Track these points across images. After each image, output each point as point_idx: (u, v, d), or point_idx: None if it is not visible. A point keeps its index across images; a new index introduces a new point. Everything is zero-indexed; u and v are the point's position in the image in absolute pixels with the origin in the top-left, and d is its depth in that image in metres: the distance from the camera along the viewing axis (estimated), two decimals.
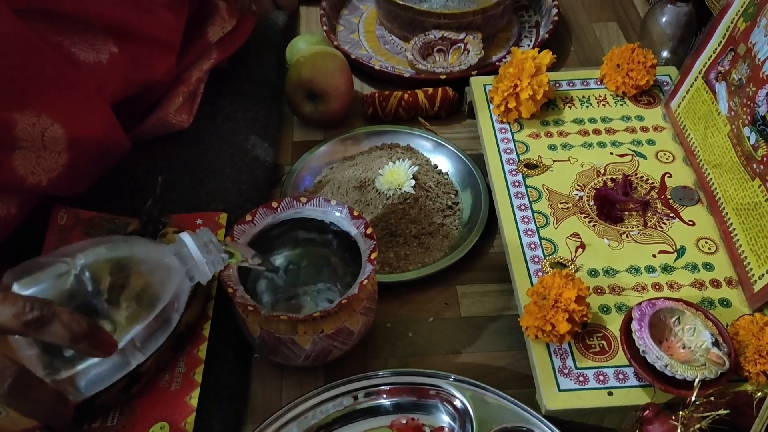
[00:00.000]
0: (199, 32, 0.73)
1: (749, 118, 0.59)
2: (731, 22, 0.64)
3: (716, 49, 0.66)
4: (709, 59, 0.67)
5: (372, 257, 0.53)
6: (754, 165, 0.58)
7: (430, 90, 0.79)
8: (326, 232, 0.59)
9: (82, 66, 0.58)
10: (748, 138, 0.59)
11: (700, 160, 0.66)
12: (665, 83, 0.76)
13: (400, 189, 0.67)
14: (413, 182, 0.67)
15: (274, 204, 0.57)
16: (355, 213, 0.56)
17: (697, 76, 0.68)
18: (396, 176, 0.67)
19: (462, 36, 0.83)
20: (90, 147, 0.58)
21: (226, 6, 0.75)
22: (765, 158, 0.57)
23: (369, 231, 0.55)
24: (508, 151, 0.70)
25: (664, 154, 0.69)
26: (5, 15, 0.50)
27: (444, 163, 0.73)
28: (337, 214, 0.57)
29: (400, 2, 0.84)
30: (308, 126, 0.79)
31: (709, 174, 0.65)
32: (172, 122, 0.70)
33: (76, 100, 0.57)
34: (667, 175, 0.67)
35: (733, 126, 0.62)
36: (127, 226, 0.62)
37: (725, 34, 0.64)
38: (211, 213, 0.65)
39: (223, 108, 0.75)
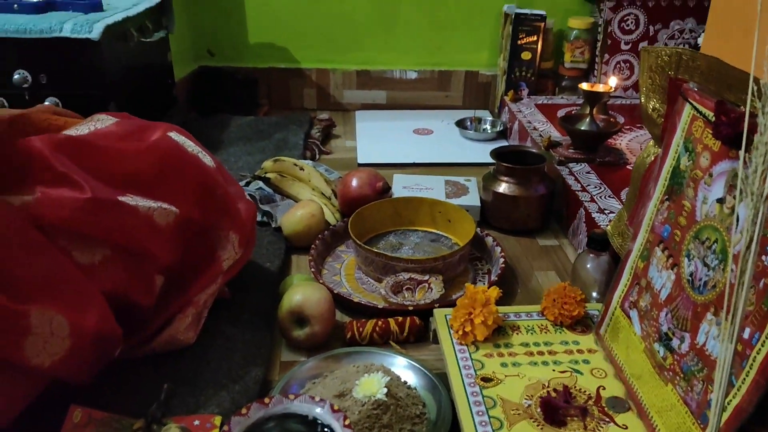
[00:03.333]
0: (211, 260, 0.86)
1: (657, 335, 0.74)
2: (633, 263, 0.82)
3: (626, 284, 0.83)
4: (622, 293, 0.83)
5: None
6: (665, 373, 0.71)
7: (400, 318, 0.93)
8: (311, 426, 0.68)
9: (79, 266, 0.70)
10: (658, 351, 0.73)
11: (627, 375, 0.78)
12: (595, 315, 0.92)
13: (374, 396, 0.77)
14: (386, 390, 0.78)
15: (266, 400, 0.67)
16: (335, 407, 0.66)
17: (616, 307, 0.84)
18: (370, 385, 0.78)
19: (426, 277, 1.00)
20: (88, 334, 0.68)
21: (240, 237, 0.89)
22: (672, 366, 0.70)
23: (347, 422, 0.64)
24: (467, 367, 0.82)
25: (598, 371, 0.82)
26: (27, 226, 0.66)
27: (412, 378, 0.84)
28: (319, 410, 0.67)
29: (376, 251, 1.03)
30: (295, 348, 0.91)
31: (634, 385, 0.77)
32: (180, 339, 0.82)
33: (75, 294, 0.68)
34: (601, 387, 0.79)
35: (646, 343, 0.76)
36: (132, 425, 0.71)
37: (631, 272, 0.82)
38: (207, 415, 0.74)
39: (224, 331, 0.88)
